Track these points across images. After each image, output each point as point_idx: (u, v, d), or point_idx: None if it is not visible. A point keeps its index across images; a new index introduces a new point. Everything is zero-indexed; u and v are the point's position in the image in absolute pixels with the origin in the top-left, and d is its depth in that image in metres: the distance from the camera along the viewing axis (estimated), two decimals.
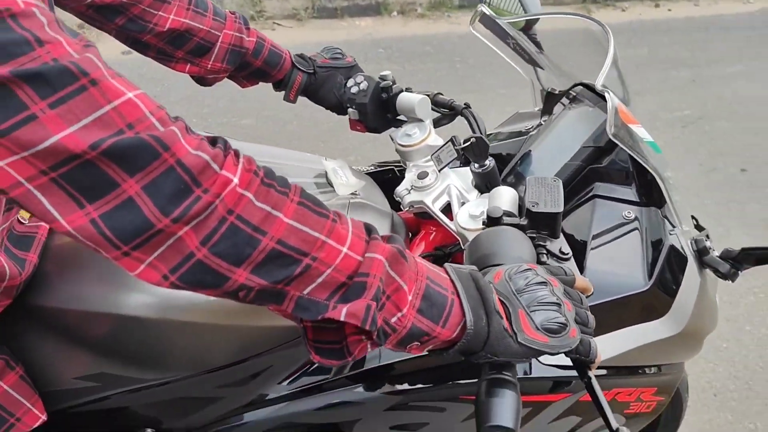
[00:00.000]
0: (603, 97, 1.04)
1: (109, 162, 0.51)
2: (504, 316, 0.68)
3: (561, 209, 0.81)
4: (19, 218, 0.83)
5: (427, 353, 0.71)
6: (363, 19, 5.15)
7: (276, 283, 0.58)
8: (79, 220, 0.52)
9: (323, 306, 0.60)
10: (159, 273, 0.55)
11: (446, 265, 0.69)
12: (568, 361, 0.96)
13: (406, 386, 0.90)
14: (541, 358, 0.95)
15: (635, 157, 0.91)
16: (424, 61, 4.17)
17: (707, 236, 1.05)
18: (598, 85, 0.92)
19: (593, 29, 1.11)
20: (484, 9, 1.11)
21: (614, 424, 0.70)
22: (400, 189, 1.04)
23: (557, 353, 0.69)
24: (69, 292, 0.80)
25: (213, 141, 0.58)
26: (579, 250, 1.02)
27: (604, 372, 0.98)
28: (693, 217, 1.09)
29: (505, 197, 0.86)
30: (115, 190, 0.52)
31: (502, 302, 0.69)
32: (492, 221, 0.83)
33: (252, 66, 1.14)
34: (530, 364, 0.95)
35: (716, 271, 0.99)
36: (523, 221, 0.83)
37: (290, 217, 0.58)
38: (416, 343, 0.65)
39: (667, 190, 0.95)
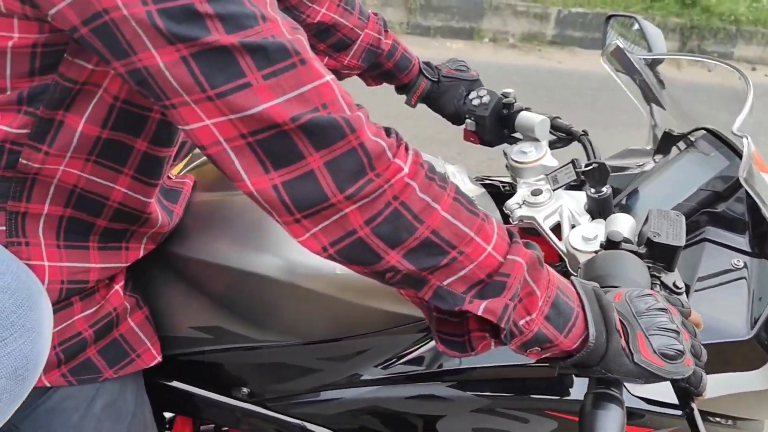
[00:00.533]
0: (728, 145, 1.05)
1: (302, 135, 0.55)
2: (622, 335, 0.70)
3: (683, 243, 0.82)
4: (169, 174, 0.89)
5: (536, 362, 0.73)
6: (455, 42, 5.22)
7: (422, 270, 0.62)
8: (263, 183, 0.57)
9: (460, 298, 0.63)
10: (320, 244, 0.60)
11: (573, 278, 0.72)
12: (653, 396, 0.97)
13: (495, 392, 0.92)
14: (631, 389, 0.96)
15: (757, 201, 0.92)
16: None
17: None
18: (735, 128, 0.93)
19: (722, 78, 1.12)
20: (619, 42, 1.14)
21: None
22: (511, 202, 1.07)
23: (670, 379, 0.71)
24: (202, 243, 0.86)
25: (387, 131, 0.62)
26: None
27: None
28: None
29: (624, 224, 0.88)
30: (300, 161, 0.56)
31: (621, 322, 0.71)
32: (611, 245, 0.85)
33: (383, 67, 1.19)
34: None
35: None
36: (642, 250, 0.84)
37: (446, 210, 0.62)
38: (537, 348, 0.68)
39: None
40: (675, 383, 0.72)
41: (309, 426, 0.97)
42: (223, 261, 0.84)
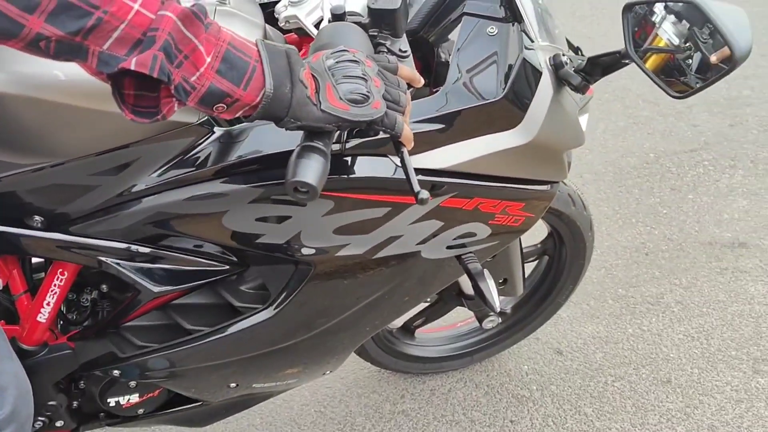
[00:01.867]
0: None
1: None
2: (312, 87, 0.75)
3: (398, 6, 0.86)
4: None
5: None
6: None
7: (72, 34, 0.64)
8: None
9: (121, 60, 0.67)
10: None
11: (257, 40, 0.76)
12: (427, 166, 1.04)
13: (267, 181, 0.98)
14: (398, 161, 1.02)
15: None
16: None
17: (579, 52, 1.09)
18: None
19: None
20: None
21: (416, 188, 0.78)
22: (279, 6, 1.09)
23: (358, 122, 0.76)
24: None
25: None
26: (446, 64, 1.07)
27: (461, 181, 1.06)
28: (567, 40, 1.13)
29: (341, 1, 0.91)
30: None
31: (313, 76, 0.76)
32: (336, 18, 0.88)
33: None
34: (394, 168, 1.02)
35: (569, 84, 1.05)
36: (366, 20, 0.88)
37: None
38: (221, 105, 0.73)
39: (523, 6, 0.99)
40: (370, 127, 0.78)
41: (108, 243, 1.03)
42: None
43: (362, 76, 0.76)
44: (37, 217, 0.99)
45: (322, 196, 1.01)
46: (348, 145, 0.98)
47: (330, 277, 1.10)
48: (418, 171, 1.02)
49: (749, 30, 0.88)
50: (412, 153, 1.01)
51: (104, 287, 1.17)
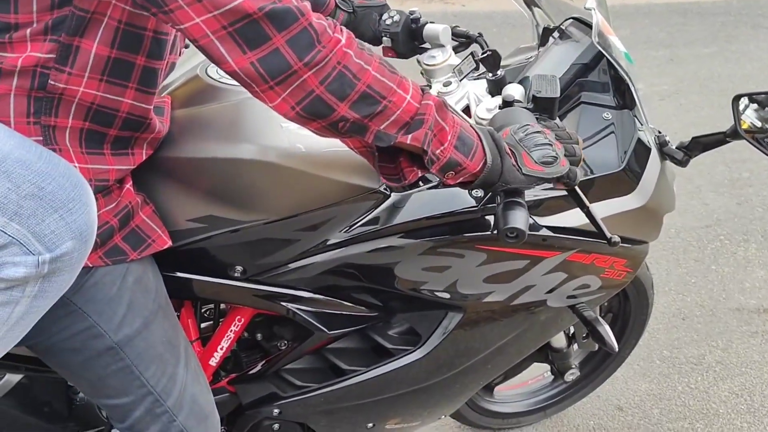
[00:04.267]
0: (590, 26, 1.33)
1: (267, 21, 0.78)
2: (512, 157, 0.97)
3: (558, 95, 1.09)
4: None
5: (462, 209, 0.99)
6: None
7: (364, 117, 0.86)
8: (243, 62, 0.79)
9: (393, 137, 0.88)
10: (288, 105, 0.83)
11: (470, 121, 0.98)
12: (560, 225, 1.25)
13: (435, 236, 1.18)
14: (540, 221, 1.23)
15: (611, 60, 1.20)
16: None
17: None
18: (586, 5, 1.20)
19: None
20: None
21: (608, 234, 0.99)
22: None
23: (551, 179, 0.98)
24: (190, 145, 1.07)
25: (325, 17, 0.85)
26: None
27: (584, 239, 1.27)
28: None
29: (515, 90, 1.14)
30: (268, 41, 0.79)
31: (510, 148, 0.98)
32: (506, 105, 1.11)
33: None
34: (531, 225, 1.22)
35: (673, 159, 1.28)
36: (530, 106, 1.11)
37: (375, 70, 0.86)
38: (452, 172, 0.93)
39: (636, 92, 1.24)
40: (559, 181, 0.99)
41: (294, 292, 1.20)
42: (209, 154, 1.05)
43: (548, 142, 0.98)
44: (239, 267, 1.16)
45: (476, 248, 1.21)
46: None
47: (475, 320, 1.28)
48: (551, 229, 1.23)
49: None
50: (553, 213, 1.22)
51: (265, 334, 1.33)
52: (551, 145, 0.96)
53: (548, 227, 1.23)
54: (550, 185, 1.03)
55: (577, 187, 1.02)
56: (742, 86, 4.38)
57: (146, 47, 0.90)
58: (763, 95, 1.21)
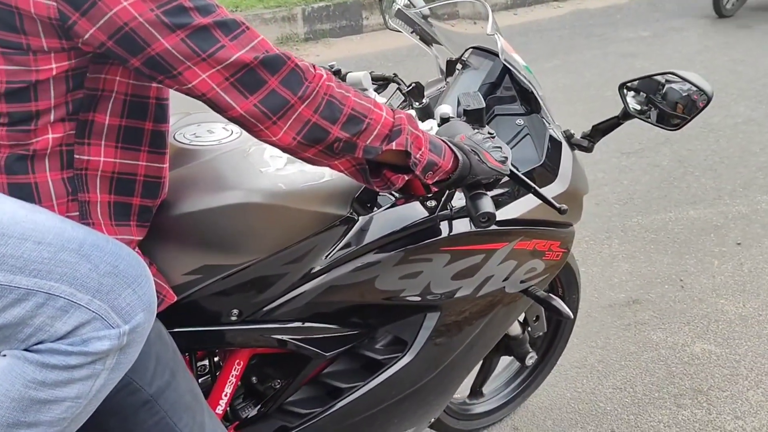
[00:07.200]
0: (489, 51, 1.56)
1: (262, 68, 0.92)
2: (476, 156, 1.15)
3: (484, 105, 1.29)
4: None
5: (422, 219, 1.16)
6: None
7: (353, 135, 1.01)
8: (247, 106, 0.93)
9: (379, 149, 1.04)
10: (290, 136, 0.97)
11: (430, 134, 1.16)
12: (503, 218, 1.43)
13: (406, 245, 1.33)
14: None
15: (516, 74, 1.43)
16: None
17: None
18: (488, 31, 1.43)
19: (471, 9, 1.63)
20: (398, 5, 1.61)
21: (557, 204, 1.18)
22: None
23: (506, 174, 1.17)
24: (181, 202, 1.16)
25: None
26: None
27: (527, 228, 1.47)
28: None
29: (447, 108, 1.34)
30: (265, 85, 0.93)
31: (472, 149, 1.16)
32: (443, 121, 1.30)
33: None
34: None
35: (580, 147, 1.53)
36: (463, 119, 1.31)
37: (354, 96, 1.02)
38: (431, 172, 1.10)
39: (540, 97, 1.47)
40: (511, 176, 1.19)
41: (287, 325, 1.30)
42: (199, 207, 1.15)
43: (500, 146, 1.17)
44: (234, 311, 1.25)
45: (441, 251, 1.38)
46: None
47: (452, 316, 1.43)
48: (497, 222, 1.42)
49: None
50: (496, 208, 1.41)
51: (259, 377, 1.40)
52: (501, 148, 1.16)
53: (497, 222, 1.42)
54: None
55: (521, 174, 1.22)
56: (584, 93, 4.87)
57: (152, 113, 1.02)
58: (636, 82, 1.48)
